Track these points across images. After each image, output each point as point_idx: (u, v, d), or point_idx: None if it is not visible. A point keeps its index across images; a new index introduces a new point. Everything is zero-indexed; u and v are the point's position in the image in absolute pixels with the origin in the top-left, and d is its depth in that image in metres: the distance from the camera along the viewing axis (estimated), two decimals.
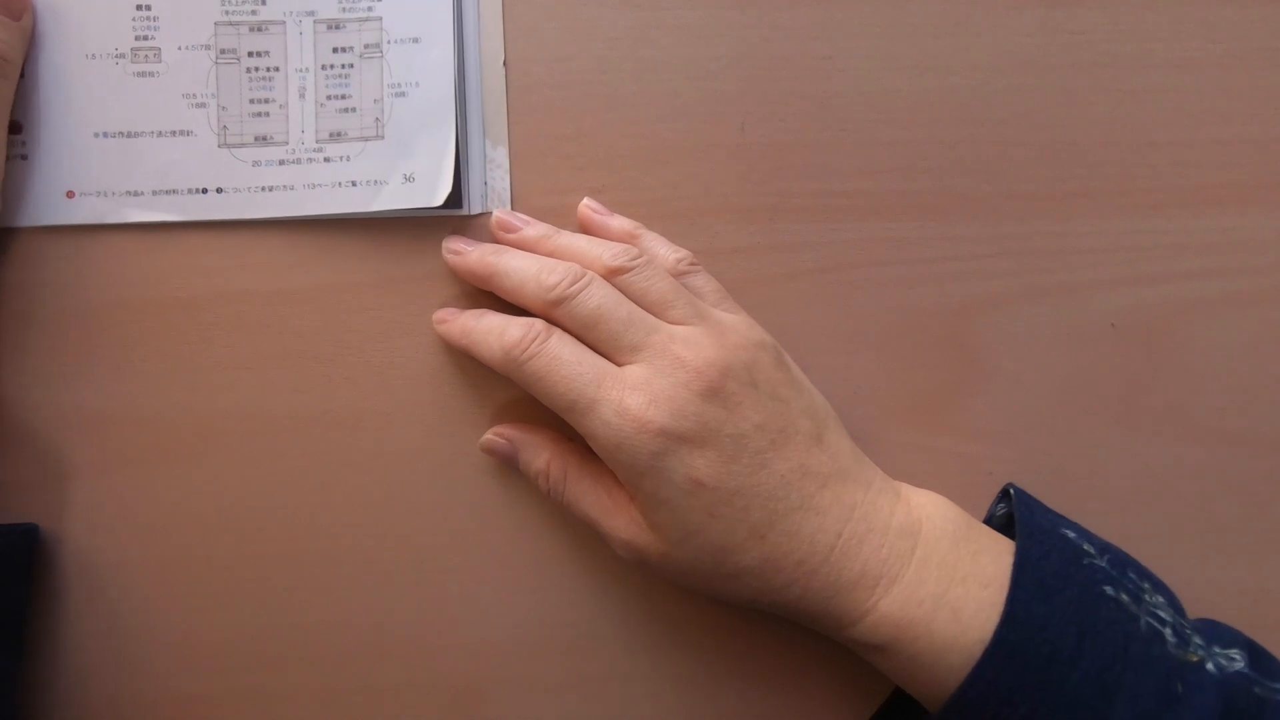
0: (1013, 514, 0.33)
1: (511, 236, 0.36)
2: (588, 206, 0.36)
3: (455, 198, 0.36)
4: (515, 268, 0.34)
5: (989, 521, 0.35)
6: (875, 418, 0.37)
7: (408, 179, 0.36)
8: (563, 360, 0.31)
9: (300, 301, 0.37)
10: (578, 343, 0.32)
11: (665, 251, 0.35)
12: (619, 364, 0.32)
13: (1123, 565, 0.31)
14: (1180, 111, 0.38)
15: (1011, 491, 0.34)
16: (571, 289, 0.32)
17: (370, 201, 0.36)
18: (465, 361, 0.36)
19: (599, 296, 0.32)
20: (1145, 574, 0.32)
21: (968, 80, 0.38)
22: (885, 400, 0.37)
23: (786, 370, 0.33)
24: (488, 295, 0.35)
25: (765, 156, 0.37)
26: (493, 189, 0.37)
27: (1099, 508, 0.37)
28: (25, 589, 0.34)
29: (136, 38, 0.36)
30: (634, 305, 0.32)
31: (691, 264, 0.35)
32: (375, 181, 0.36)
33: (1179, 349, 0.37)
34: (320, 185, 0.36)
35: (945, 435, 0.37)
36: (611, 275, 0.33)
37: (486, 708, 0.36)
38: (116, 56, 0.36)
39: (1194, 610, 0.32)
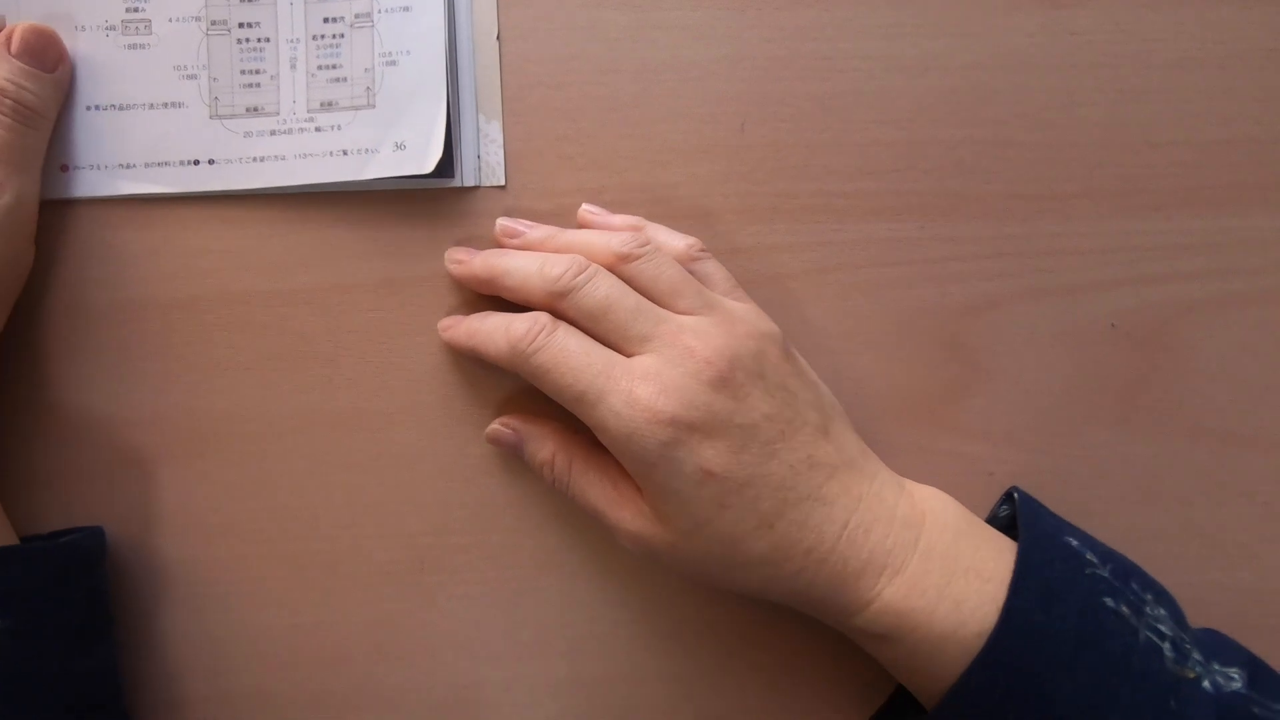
0: (1015, 517, 0.33)
1: (516, 241, 0.36)
2: (587, 210, 0.36)
3: (447, 167, 0.36)
4: (518, 265, 0.33)
5: (992, 521, 0.35)
6: (875, 418, 0.37)
7: (399, 147, 0.36)
8: (570, 351, 0.31)
9: (300, 302, 0.37)
10: (584, 335, 0.32)
11: (673, 240, 0.35)
12: (627, 355, 0.32)
13: (1126, 575, 0.31)
14: (1180, 111, 0.38)
15: (1015, 495, 0.34)
16: (577, 280, 0.32)
17: (361, 170, 0.36)
18: (465, 362, 0.36)
19: (606, 287, 0.32)
20: (1148, 584, 0.32)
21: (968, 80, 0.38)
22: (885, 400, 0.37)
23: (794, 362, 0.33)
24: (491, 301, 0.35)
25: (765, 156, 0.37)
26: (486, 163, 0.37)
27: (1100, 508, 0.37)
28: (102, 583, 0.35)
29: (127, 10, 0.36)
30: (640, 295, 0.32)
31: (701, 250, 0.35)
32: (366, 150, 0.36)
33: (1179, 349, 0.37)
34: (312, 155, 0.36)
35: (945, 435, 0.37)
36: (621, 262, 0.33)
37: (486, 708, 0.36)
38: (107, 29, 0.36)
39: (1194, 611, 0.32)
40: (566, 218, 0.37)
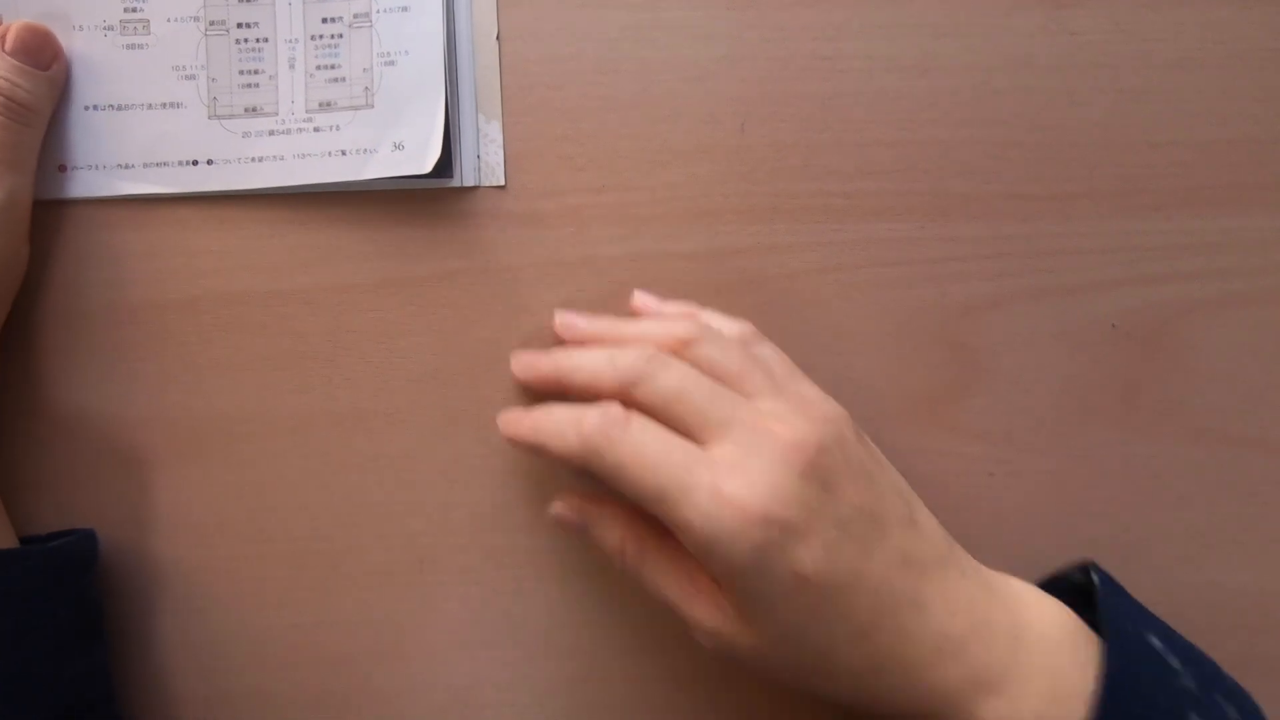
0: (1088, 582, 0.31)
1: (574, 334, 0.35)
2: (640, 298, 0.36)
3: (446, 167, 0.36)
4: (587, 360, 0.32)
5: (1057, 583, 0.33)
6: (875, 418, 0.37)
7: (397, 147, 0.36)
8: (648, 444, 0.29)
9: (300, 302, 0.37)
10: (660, 426, 0.30)
11: (726, 325, 0.34)
12: (704, 444, 0.30)
13: (1209, 683, 0.29)
14: (1180, 111, 0.38)
15: (1095, 579, 0.31)
16: (648, 367, 0.30)
17: (360, 170, 0.36)
18: (465, 362, 0.36)
19: (679, 373, 0.30)
20: (1231, 693, 0.30)
21: (968, 80, 0.38)
22: (885, 400, 0.37)
23: (867, 444, 0.32)
24: (551, 398, 0.34)
25: (765, 156, 0.37)
26: (485, 163, 0.37)
27: (1099, 508, 0.37)
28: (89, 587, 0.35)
29: (125, 10, 0.36)
30: (713, 380, 0.31)
31: (754, 334, 0.34)
32: (365, 150, 0.36)
33: (1179, 349, 0.37)
34: (310, 155, 0.36)
35: (945, 435, 0.37)
36: (684, 348, 0.31)
37: (486, 708, 0.36)
38: (105, 29, 0.36)
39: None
40: (567, 218, 0.37)
